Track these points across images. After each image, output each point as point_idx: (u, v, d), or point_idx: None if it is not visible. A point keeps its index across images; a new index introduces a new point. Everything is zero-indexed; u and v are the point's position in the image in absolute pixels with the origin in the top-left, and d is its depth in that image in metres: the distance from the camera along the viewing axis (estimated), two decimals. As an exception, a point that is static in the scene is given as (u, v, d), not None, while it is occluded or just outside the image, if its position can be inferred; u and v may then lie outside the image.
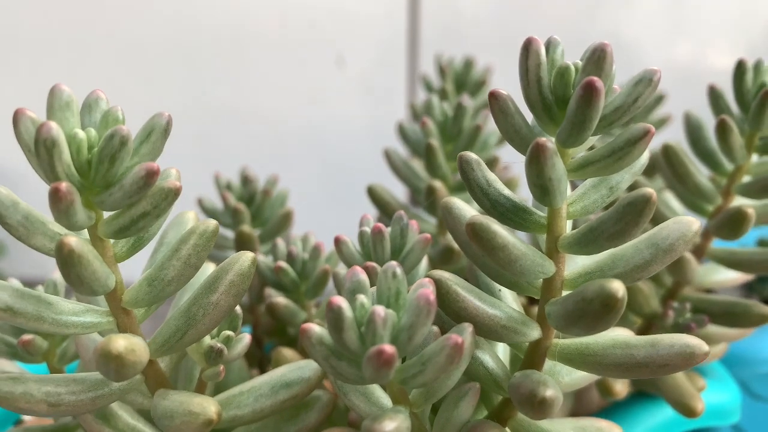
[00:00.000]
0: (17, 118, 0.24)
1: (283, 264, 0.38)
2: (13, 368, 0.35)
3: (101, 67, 0.92)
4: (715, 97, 0.41)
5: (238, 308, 0.30)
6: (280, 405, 0.30)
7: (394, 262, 0.24)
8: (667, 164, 0.41)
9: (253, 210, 0.46)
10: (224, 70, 0.95)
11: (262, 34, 0.93)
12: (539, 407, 0.24)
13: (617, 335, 0.28)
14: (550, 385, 0.25)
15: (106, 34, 0.91)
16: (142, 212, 0.25)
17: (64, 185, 0.23)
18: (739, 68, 0.39)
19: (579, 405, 0.46)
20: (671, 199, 0.45)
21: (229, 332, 0.29)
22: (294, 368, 0.31)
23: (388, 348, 0.22)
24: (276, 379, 0.31)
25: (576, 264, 0.29)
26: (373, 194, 0.47)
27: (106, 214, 0.26)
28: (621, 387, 0.42)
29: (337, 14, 0.94)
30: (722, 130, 0.38)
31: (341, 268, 0.36)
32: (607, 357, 0.27)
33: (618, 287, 0.23)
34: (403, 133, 0.47)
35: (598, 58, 0.25)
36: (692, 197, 0.42)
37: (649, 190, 0.24)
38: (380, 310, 0.23)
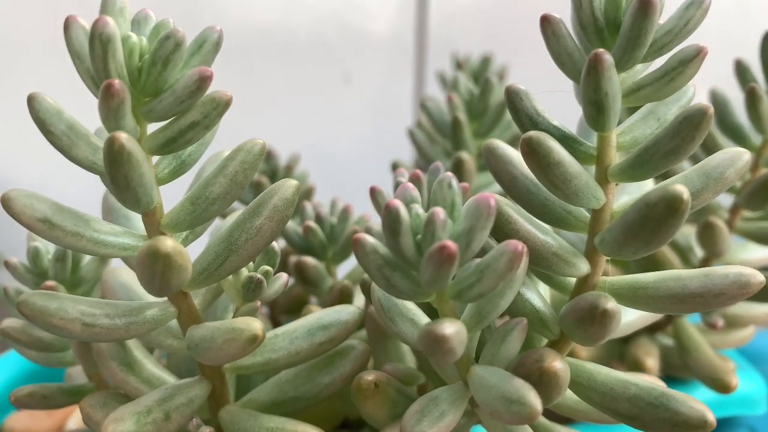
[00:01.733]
0: (68, 24, 0.24)
1: (311, 224, 0.37)
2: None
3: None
4: (741, 69, 0.41)
5: (276, 246, 0.30)
6: (316, 348, 0.29)
7: (449, 173, 0.24)
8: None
9: (275, 186, 0.46)
10: (229, 85, 0.96)
11: (269, 50, 0.94)
12: (601, 320, 0.23)
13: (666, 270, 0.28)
14: (611, 298, 0.24)
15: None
16: (191, 122, 0.24)
17: (117, 81, 0.22)
18: (768, 36, 0.39)
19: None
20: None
21: (268, 267, 0.29)
22: (331, 312, 0.30)
23: (451, 244, 0.21)
24: (313, 321, 0.30)
25: (623, 198, 0.28)
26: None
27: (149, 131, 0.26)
28: (653, 362, 0.41)
29: (344, 32, 0.95)
30: (752, 98, 0.39)
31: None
32: (659, 289, 0.26)
33: (682, 189, 0.22)
34: (426, 110, 0.47)
35: (651, -24, 0.25)
36: (720, 171, 0.42)
37: (705, 104, 0.24)
38: (440, 211, 0.22)
